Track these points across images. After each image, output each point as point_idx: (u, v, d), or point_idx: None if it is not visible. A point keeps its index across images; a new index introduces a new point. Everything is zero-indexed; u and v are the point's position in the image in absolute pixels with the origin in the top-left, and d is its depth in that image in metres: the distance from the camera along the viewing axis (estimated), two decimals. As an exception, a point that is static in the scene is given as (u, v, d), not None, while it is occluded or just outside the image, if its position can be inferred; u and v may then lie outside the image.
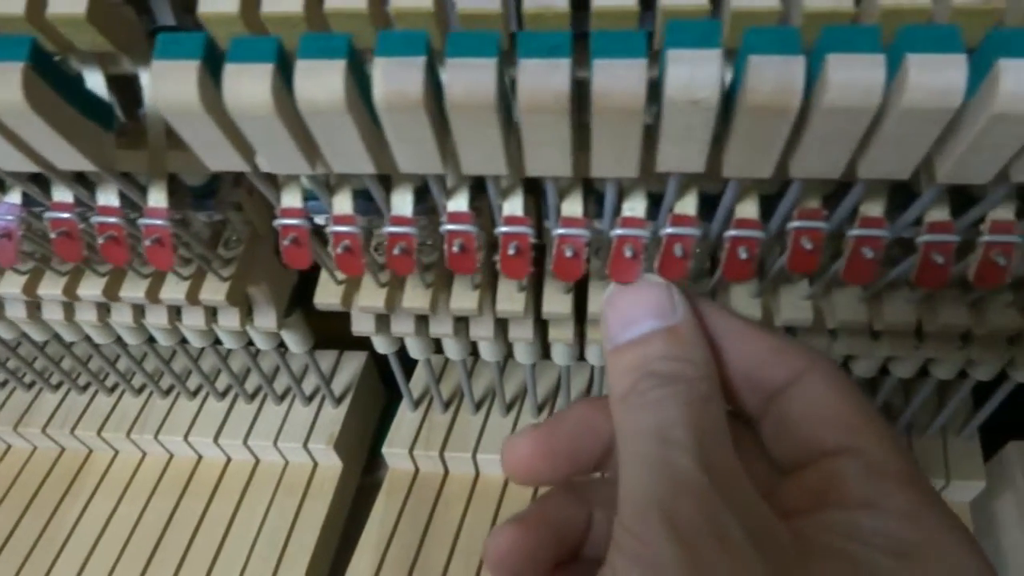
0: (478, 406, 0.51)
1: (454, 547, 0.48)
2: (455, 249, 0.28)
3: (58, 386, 0.55)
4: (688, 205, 0.27)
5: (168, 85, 0.22)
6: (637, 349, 0.19)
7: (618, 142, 0.22)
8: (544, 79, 0.21)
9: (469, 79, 0.21)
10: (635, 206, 0.28)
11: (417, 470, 0.52)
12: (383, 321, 0.40)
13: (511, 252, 0.28)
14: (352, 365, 0.54)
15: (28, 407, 0.54)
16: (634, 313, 0.20)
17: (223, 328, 0.42)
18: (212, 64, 0.23)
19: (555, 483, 0.22)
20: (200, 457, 0.54)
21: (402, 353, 0.45)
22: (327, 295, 0.35)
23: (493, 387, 0.49)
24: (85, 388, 0.55)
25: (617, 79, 0.21)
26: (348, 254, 0.29)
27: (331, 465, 0.52)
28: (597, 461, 0.21)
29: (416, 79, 0.21)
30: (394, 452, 0.51)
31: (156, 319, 0.41)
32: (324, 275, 0.35)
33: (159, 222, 0.29)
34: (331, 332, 0.46)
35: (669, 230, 0.27)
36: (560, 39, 0.21)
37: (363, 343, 0.43)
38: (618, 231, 0.27)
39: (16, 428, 0.53)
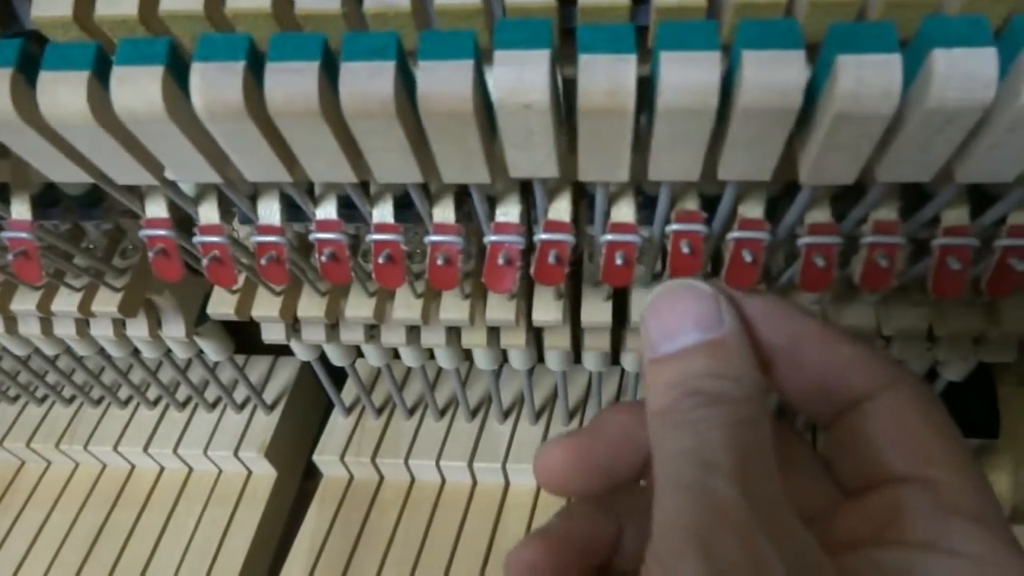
0: (411, 411, 0.50)
1: (387, 554, 0.47)
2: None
3: (-13, 398, 0.54)
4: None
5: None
6: (679, 363, 0.18)
7: (455, 147, 0.21)
8: (366, 83, 0.20)
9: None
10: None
11: (351, 477, 0.51)
12: (296, 329, 0.39)
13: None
14: (286, 371, 0.53)
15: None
16: (678, 322, 0.18)
17: (133, 337, 0.41)
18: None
19: (589, 495, 0.20)
20: (132, 467, 0.53)
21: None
22: (221, 305, 0.34)
23: (424, 392, 0.48)
24: (15, 399, 0.54)
25: (442, 82, 0.20)
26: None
27: (265, 473, 0.51)
28: (636, 473, 0.20)
29: (235, 85, 0.20)
30: (326, 459, 0.50)
31: (65, 329, 0.40)
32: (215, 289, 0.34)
33: (23, 235, 0.28)
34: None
35: (675, 227, 0.25)
36: (387, 40, 0.20)
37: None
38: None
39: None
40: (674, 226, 0.26)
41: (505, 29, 0.20)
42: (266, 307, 0.34)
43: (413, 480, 0.50)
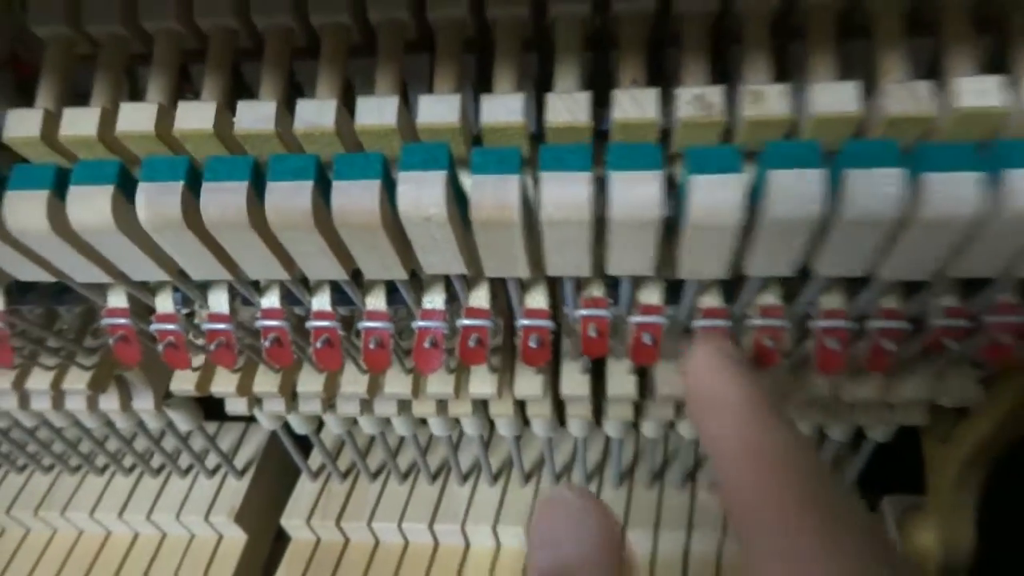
0: (375, 475, 0.52)
1: (352, 616, 0.49)
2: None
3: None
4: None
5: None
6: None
7: (371, 252, 0.24)
8: (288, 200, 0.23)
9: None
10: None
11: (318, 539, 0.53)
12: (258, 400, 0.42)
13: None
14: (256, 437, 0.56)
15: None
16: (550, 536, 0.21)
17: (106, 410, 0.43)
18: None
19: None
20: (108, 533, 0.55)
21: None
22: (182, 382, 0.37)
23: (386, 459, 0.50)
24: (-5, 468, 0.56)
25: (353, 199, 0.23)
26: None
27: (235, 537, 0.53)
28: None
29: (175, 203, 0.23)
30: (293, 523, 0.52)
31: (40, 404, 0.42)
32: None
33: (-4, 324, 0.31)
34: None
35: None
36: (307, 161, 0.23)
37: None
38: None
39: (-72, 508, 0.55)
40: (582, 311, 0.28)
41: (409, 153, 0.23)
42: (224, 384, 0.37)
43: (377, 542, 0.52)
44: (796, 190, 0.21)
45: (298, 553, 0.52)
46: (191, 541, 0.54)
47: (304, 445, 0.51)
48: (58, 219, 0.24)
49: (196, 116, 0.25)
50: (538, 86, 0.27)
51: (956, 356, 0.29)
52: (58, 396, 0.42)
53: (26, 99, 0.28)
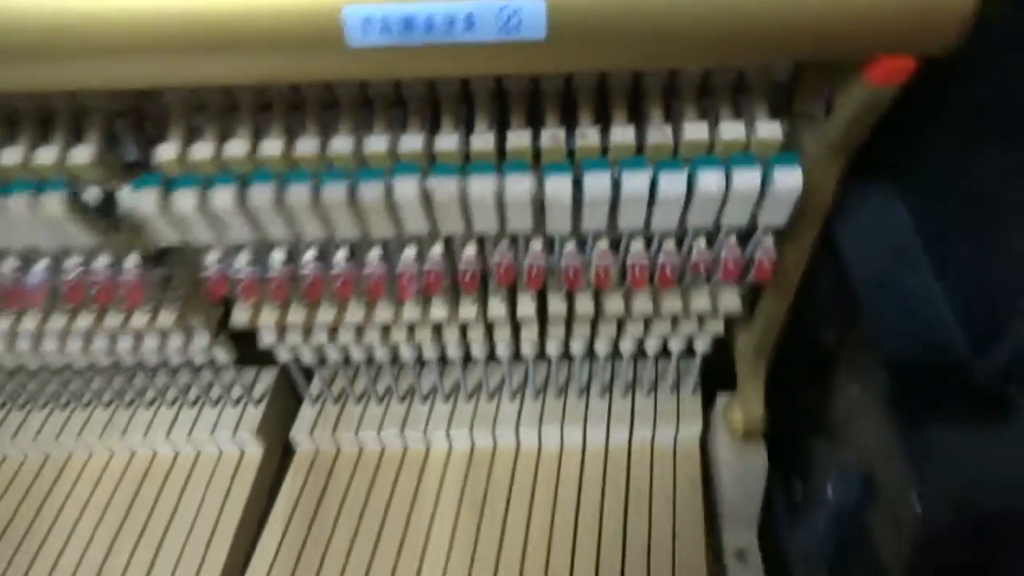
0: (359, 398, 0.71)
1: (342, 505, 0.67)
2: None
3: (44, 405, 0.73)
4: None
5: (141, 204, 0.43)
6: None
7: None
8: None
9: None
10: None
11: (317, 450, 0.71)
12: (282, 336, 0.60)
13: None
14: (268, 376, 0.74)
15: (21, 424, 0.73)
16: None
17: (170, 349, 0.62)
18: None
19: None
20: (155, 453, 0.72)
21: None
22: (239, 317, 0.55)
23: (367, 385, 0.69)
24: (66, 406, 0.73)
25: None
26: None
27: (254, 452, 0.72)
28: None
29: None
30: (299, 437, 0.70)
31: (123, 343, 0.60)
32: (237, 305, 0.56)
33: (131, 278, 0.50)
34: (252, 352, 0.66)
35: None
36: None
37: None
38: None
39: (13, 439, 0.72)
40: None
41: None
42: (267, 318, 0.55)
43: (361, 450, 0.71)
44: (598, 183, 0.41)
45: (302, 462, 0.71)
46: (220, 456, 0.72)
47: (307, 377, 0.70)
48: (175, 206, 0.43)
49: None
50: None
51: (714, 280, 0.50)
52: (138, 336, 0.60)
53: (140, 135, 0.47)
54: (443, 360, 0.64)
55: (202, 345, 0.61)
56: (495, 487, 0.67)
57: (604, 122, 0.44)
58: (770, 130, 0.43)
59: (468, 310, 0.55)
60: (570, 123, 0.44)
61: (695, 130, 0.43)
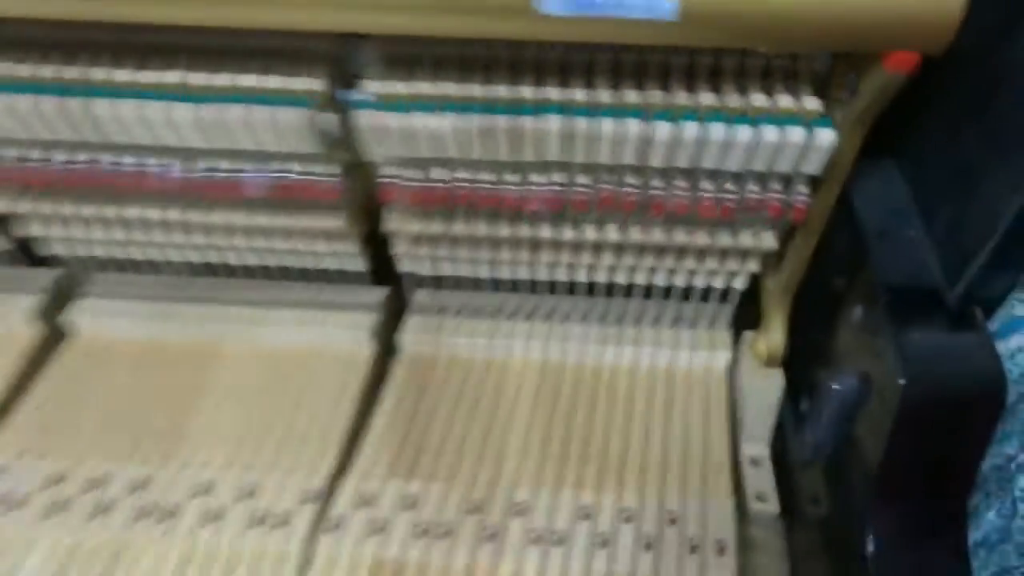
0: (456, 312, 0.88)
1: (437, 401, 0.84)
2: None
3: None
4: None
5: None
6: None
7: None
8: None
9: None
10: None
11: (418, 353, 0.88)
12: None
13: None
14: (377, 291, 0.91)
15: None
16: None
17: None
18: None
19: None
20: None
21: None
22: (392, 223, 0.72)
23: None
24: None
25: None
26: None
27: (369, 351, 0.88)
28: None
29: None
30: (405, 340, 0.87)
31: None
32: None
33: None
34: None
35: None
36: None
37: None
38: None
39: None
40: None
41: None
42: (413, 226, 0.72)
43: (454, 355, 0.87)
44: (690, 131, 0.59)
45: (405, 362, 0.87)
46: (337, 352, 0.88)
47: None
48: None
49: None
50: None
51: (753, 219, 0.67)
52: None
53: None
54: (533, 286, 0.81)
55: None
56: (564, 394, 0.84)
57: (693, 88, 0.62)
58: (813, 103, 0.60)
59: (578, 232, 0.72)
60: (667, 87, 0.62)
61: (760, 99, 0.60)
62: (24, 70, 0.60)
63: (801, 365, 0.81)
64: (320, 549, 0.71)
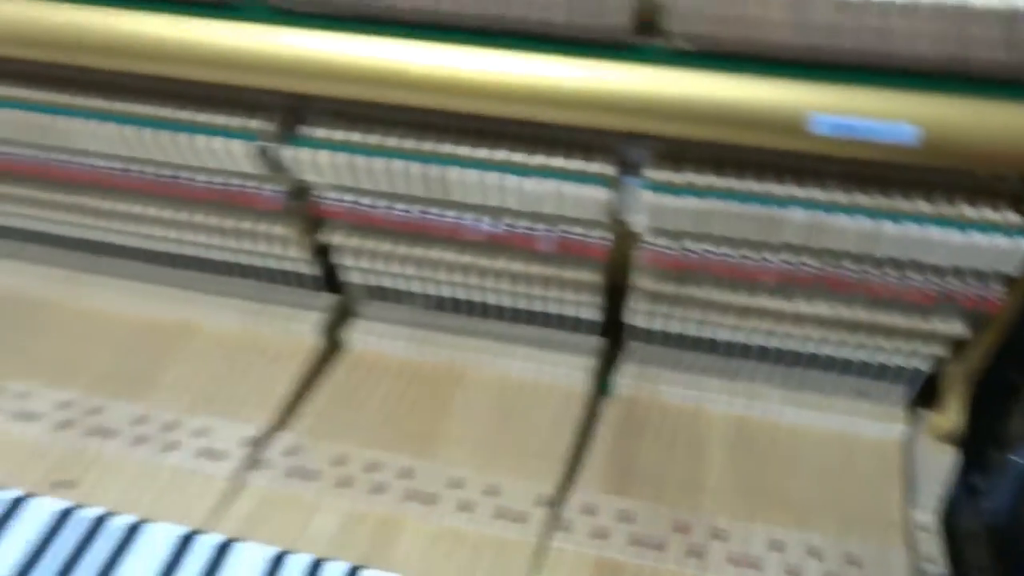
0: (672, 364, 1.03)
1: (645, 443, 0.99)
2: None
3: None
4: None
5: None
6: None
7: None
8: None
9: None
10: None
11: (633, 396, 1.03)
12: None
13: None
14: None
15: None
16: None
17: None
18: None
19: None
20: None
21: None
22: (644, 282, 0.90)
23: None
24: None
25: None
26: None
27: (583, 389, 1.04)
28: None
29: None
30: (621, 381, 1.02)
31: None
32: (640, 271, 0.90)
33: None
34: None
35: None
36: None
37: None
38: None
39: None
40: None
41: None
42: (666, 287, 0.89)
43: (666, 401, 1.03)
44: (906, 228, 0.74)
45: (619, 403, 1.03)
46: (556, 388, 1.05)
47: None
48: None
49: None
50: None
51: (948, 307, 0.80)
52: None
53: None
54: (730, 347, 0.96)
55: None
56: (758, 445, 0.97)
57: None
58: (1014, 217, 0.74)
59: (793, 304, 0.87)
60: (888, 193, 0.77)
61: (974, 212, 0.75)
62: (392, 141, 0.82)
63: (974, 441, 0.92)
64: (553, 544, 0.87)
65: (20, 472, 0.94)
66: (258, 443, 0.96)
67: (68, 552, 0.87)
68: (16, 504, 0.91)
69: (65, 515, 0.90)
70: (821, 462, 0.95)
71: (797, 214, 0.75)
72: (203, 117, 0.88)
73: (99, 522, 0.90)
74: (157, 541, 0.88)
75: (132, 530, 0.89)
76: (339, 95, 0.79)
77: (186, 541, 0.88)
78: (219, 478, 0.93)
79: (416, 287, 1.01)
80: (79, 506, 0.91)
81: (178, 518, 0.89)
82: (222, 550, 0.87)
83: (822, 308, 0.86)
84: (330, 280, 1.08)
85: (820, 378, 0.99)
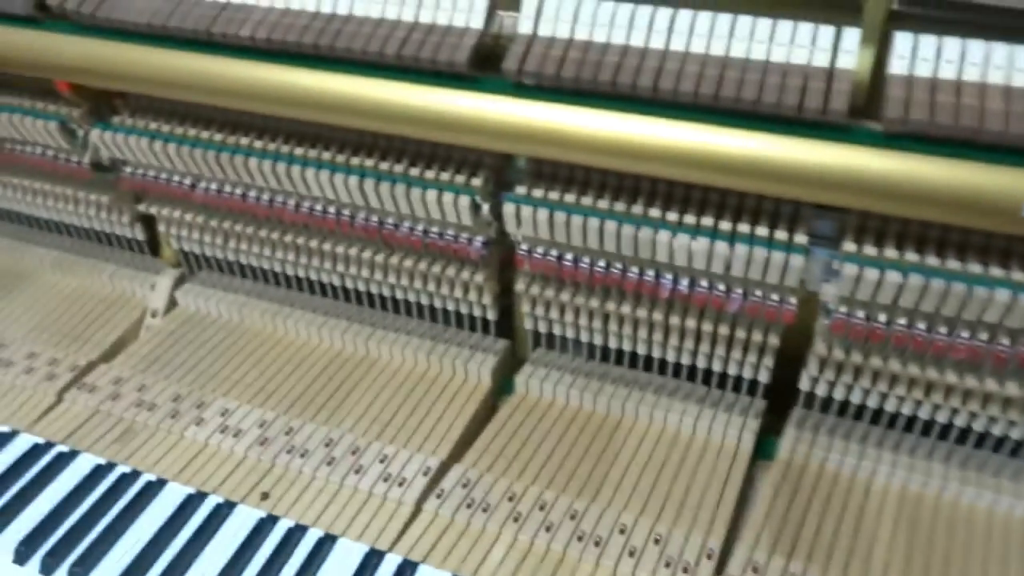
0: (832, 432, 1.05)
1: (808, 512, 1.00)
2: None
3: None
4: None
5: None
6: None
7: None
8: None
9: None
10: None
11: (792, 460, 1.05)
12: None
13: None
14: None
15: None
16: None
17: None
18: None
19: None
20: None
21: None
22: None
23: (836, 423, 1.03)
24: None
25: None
26: None
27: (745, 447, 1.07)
28: None
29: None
30: (784, 446, 1.05)
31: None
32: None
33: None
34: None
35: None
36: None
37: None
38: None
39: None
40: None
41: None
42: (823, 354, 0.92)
43: (827, 468, 1.04)
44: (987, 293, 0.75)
45: (781, 466, 1.05)
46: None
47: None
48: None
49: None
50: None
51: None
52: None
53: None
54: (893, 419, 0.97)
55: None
56: (922, 521, 0.97)
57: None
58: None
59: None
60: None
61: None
62: (603, 203, 0.89)
63: None
64: (720, 598, 0.89)
65: (222, 480, 1.03)
66: (437, 473, 1.03)
67: (266, 557, 0.95)
68: (219, 509, 1.00)
69: (263, 524, 0.98)
70: (1000, 551, 0.94)
71: (1001, 295, 0.77)
72: (430, 174, 0.98)
73: (292, 533, 0.97)
74: (345, 556, 0.94)
75: (321, 543, 0.96)
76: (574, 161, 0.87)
77: (371, 558, 0.94)
78: (401, 502, 1.00)
79: (586, 337, 1.06)
80: (275, 517, 0.99)
81: (363, 536, 0.96)
82: (403, 570, 0.93)
83: (1012, 388, 0.86)
84: (501, 325, 1.15)
85: (982, 455, 0.98)
